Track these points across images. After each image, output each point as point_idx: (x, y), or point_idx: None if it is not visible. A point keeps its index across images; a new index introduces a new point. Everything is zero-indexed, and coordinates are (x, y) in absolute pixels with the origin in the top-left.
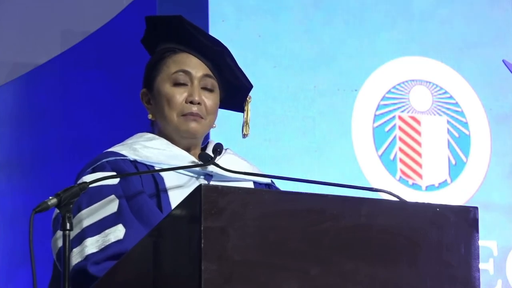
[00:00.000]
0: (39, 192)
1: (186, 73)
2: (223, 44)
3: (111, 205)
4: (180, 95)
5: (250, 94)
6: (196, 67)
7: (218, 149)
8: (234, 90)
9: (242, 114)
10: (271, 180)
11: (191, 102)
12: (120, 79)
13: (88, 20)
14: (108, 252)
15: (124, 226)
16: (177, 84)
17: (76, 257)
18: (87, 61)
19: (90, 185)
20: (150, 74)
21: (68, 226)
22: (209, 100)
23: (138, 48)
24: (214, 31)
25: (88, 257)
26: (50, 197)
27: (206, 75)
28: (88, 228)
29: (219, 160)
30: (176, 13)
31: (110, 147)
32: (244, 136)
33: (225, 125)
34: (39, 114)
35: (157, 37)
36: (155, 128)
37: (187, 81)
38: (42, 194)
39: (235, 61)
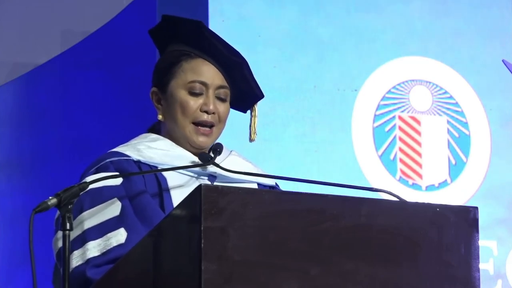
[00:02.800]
0: (39, 192)
1: (202, 83)
2: (241, 56)
3: (113, 208)
4: (194, 103)
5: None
6: (212, 76)
7: (218, 149)
8: (244, 96)
9: (250, 118)
10: (276, 183)
11: (206, 112)
12: (120, 79)
13: (88, 20)
14: (109, 256)
15: (126, 230)
16: (193, 93)
17: (77, 259)
18: (87, 61)
19: (93, 186)
20: (163, 76)
21: (68, 226)
22: (222, 108)
23: (138, 48)
24: (214, 31)
25: (89, 260)
26: (50, 197)
27: (221, 86)
28: (90, 230)
29: (224, 161)
30: (176, 13)
31: (110, 147)
32: (251, 140)
33: (226, 125)
34: (39, 114)
35: (172, 37)
36: (161, 128)
37: (203, 90)
38: (42, 194)
39: (251, 72)
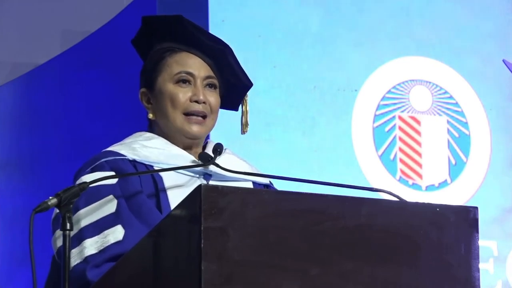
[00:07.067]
0: (39, 192)
1: (189, 74)
2: (224, 42)
3: (109, 205)
4: (183, 94)
5: (247, 92)
6: (198, 67)
7: (218, 149)
8: (233, 88)
9: (241, 113)
10: (270, 181)
11: (196, 102)
12: (119, 79)
13: (88, 20)
14: (107, 254)
15: (123, 227)
16: (180, 84)
17: (75, 258)
18: (87, 61)
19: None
20: (150, 74)
21: (68, 226)
22: (212, 98)
23: None
24: (214, 31)
25: (88, 259)
26: (50, 197)
27: (209, 76)
28: (86, 228)
29: (219, 160)
30: (176, 13)
31: (109, 147)
32: (243, 133)
33: (225, 125)
34: (39, 114)
35: (154, 37)
36: (154, 127)
37: (191, 80)
38: (42, 194)
39: (236, 59)
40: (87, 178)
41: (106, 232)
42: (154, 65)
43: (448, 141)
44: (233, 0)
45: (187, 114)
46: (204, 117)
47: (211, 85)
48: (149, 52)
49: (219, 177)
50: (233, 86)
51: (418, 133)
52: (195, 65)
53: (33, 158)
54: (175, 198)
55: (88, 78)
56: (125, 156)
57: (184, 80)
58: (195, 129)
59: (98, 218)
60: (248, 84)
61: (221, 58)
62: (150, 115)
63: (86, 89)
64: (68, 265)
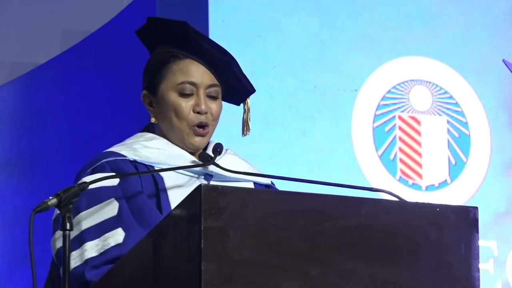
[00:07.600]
0: (39, 192)
1: (192, 84)
2: (230, 54)
3: (110, 208)
4: (186, 104)
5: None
6: (201, 76)
7: (218, 149)
8: (234, 91)
9: (242, 114)
10: (271, 182)
11: (198, 112)
12: (120, 79)
13: (88, 20)
14: (107, 256)
15: (124, 230)
16: (183, 94)
17: (75, 260)
18: (87, 61)
19: (90, 186)
20: (153, 78)
21: (68, 226)
22: (214, 106)
23: (138, 48)
24: (214, 31)
25: (88, 261)
26: (50, 197)
27: (212, 85)
28: (87, 231)
29: (219, 160)
30: (176, 13)
31: (109, 147)
32: (244, 135)
33: (225, 125)
34: (39, 114)
35: (159, 38)
36: (156, 128)
37: (193, 91)
38: (42, 194)
39: (241, 69)
40: (88, 179)
41: (106, 235)
42: (157, 70)
43: (448, 141)
44: (233, 0)
45: (192, 126)
46: (206, 126)
47: (213, 95)
48: (154, 50)
49: (220, 177)
50: (236, 90)
51: (418, 133)
52: (198, 74)
53: (33, 158)
54: (175, 198)
55: (88, 78)
56: (126, 156)
57: (187, 93)
58: (197, 140)
59: (100, 221)
60: (250, 90)
61: (226, 69)
62: (153, 119)
63: (86, 89)
64: (68, 265)
